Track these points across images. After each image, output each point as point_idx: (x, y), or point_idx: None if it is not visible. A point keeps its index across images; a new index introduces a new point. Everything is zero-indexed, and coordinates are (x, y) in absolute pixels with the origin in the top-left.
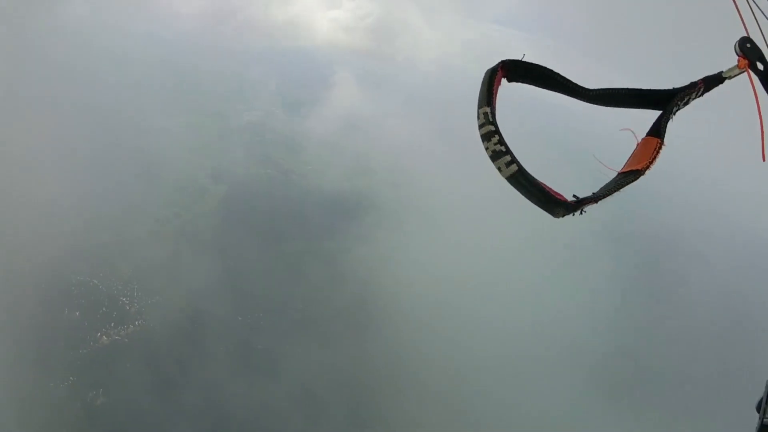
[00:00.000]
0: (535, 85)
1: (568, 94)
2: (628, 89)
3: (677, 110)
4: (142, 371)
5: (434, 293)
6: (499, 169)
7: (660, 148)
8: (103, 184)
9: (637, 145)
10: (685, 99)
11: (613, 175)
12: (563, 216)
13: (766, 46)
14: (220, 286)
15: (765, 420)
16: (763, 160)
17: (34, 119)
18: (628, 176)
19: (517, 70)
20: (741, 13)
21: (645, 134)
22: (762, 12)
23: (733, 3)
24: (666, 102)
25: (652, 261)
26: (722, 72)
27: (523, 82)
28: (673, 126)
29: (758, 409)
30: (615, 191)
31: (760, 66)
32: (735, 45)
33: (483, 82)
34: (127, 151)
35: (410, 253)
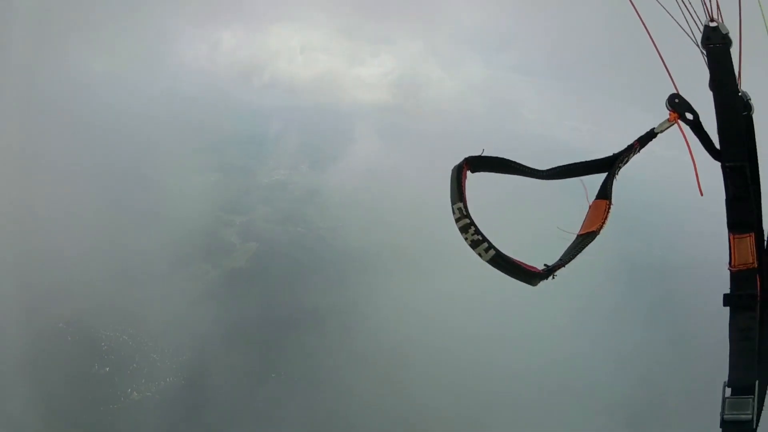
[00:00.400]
0: (496, 173)
1: (526, 176)
2: (575, 163)
3: (619, 171)
4: (172, 427)
5: (452, 344)
6: (479, 255)
7: (609, 208)
8: (130, 241)
9: (590, 208)
10: (625, 159)
11: (572, 238)
12: (538, 284)
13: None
14: (247, 341)
15: (725, 416)
16: (701, 194)
17: (55, 177)
18: (585, 238)
19: (480, 164)
20: (669, 70)
21: (594, 198)
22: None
23: (662, 64)
24: (609, 166)
25: (668, 293)
26: (654, 128)
27: (485, 171)
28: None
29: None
30: (577, 254)
31: (689, 116)
32: (666, 102)
33: (452, 179)
34: (154, 208)
35: (427, 304)
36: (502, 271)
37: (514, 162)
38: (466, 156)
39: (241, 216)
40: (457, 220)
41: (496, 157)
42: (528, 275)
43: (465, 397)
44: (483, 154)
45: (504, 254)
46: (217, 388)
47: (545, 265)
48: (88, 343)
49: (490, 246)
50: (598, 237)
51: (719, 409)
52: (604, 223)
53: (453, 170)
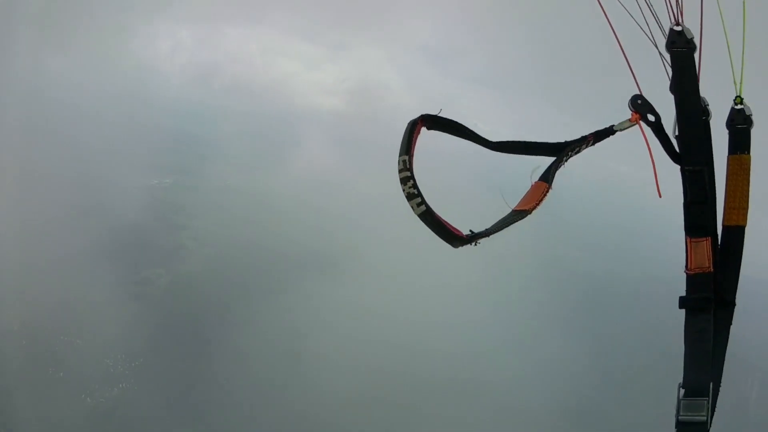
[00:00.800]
0: (449, 134)
1: (476, 143)
2: (525, 141)
3: (567, 159)
4: None
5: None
6: (411, 207)
7: (547, 191)
8: (82, 245)
9: (531, 187)
10: (576, 149)
11: (507, 211)
12: (460, 247)
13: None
14: (194, 345)
15: (680, 417)
16: (659, 197)
17: (3, 180)
18: (517, 215)
19: (435, 122)
20: (633, 71)
21: (537, 179)
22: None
23: (627, 64)
24: (558, 152)
25: (627, 306)
26: (613, 126)
27: (438, 130)
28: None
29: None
30: (504, 227)
31: (651, 117)
32: (629, 102)
33: (405, 132)
34: (106, 211)
35: (363, 306)
36: (429, 227)
37: (467, 128)
38: (423, 113)
39: (194, 219)
40: (399, 171)
41: (451, 120)
42: (451, 236)
43: (396, 385)
44: (439, 114)
45: (434, 212)
46: (170, 393)
47: (470, 231)
48: (42, 348)
49: (423, 201)
50: (525, 225)
51: (673, 411)
52: (538, 204)
53: (408, 124)
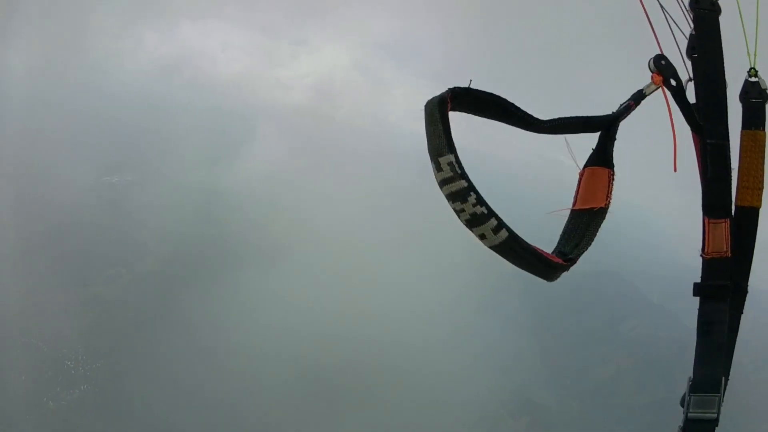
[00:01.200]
0: (481, 116)
1: (518, 126)
2: (573, 117)
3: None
4: None
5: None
6: (482, 236)
7: (612, 177)
8: (41, 246)
9: (581, 176)
10: (624, 118)
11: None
12: (557, 278)
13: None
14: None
15: (689, 414)
16: (675, 170)
17: None
18: (595, 216)
19: (466, 99)
20: (655, 30)
21: (585, 165)
22: (678, 26)
23: (647, 21)
24: (608, 126)
25: (571, 304)
26: (642, 89)
27: (467, 112)
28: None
29: (682, 404)
30: (593, 234)
31: (673, 82)
32: (650, 62)
33: (433, 119)
34: (65, 210)
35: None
36: (512, 260)
37: (511, 104)
38: (451, 86)
39: (154, 218)
40: (446, 181)
41: (490, 93)
42: (548, 266)
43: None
44: (472, 87)
45: (521, 238)
46: (132, 394)
47: (560, 252)
48: (2, 351)
49: (501, 224)
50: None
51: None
52: (609, 195)
53: (431, 106)
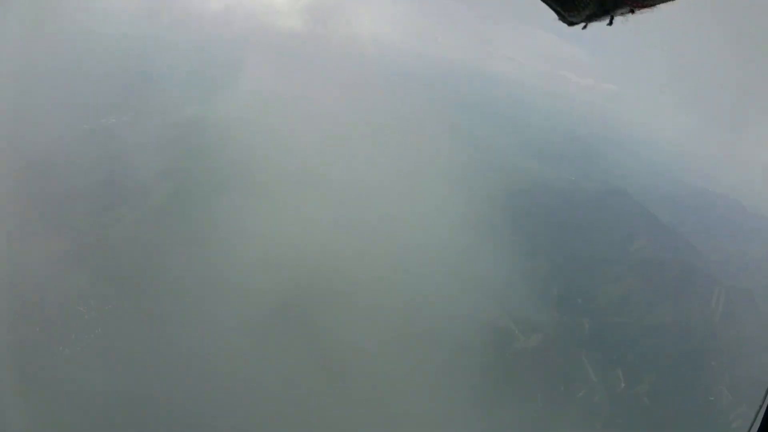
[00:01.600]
0: None
1: None
2: None
3: None
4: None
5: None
6: None
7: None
8: (47, 188)
9: None
10: None
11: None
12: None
13: None
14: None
15: None
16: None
17: None
18: None
19: None
20: None
21: None
22: None
23: None
24: None
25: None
26: None
27: None
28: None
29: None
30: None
31: None
32: None
33: None
34: (62, 154)
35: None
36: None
37: None
38: None
39: (155, 156)
40: None
41: None
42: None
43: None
44: None
45: None
46: (147, 331)
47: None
48: (15, 304)
49: None
50: None
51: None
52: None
53: None
